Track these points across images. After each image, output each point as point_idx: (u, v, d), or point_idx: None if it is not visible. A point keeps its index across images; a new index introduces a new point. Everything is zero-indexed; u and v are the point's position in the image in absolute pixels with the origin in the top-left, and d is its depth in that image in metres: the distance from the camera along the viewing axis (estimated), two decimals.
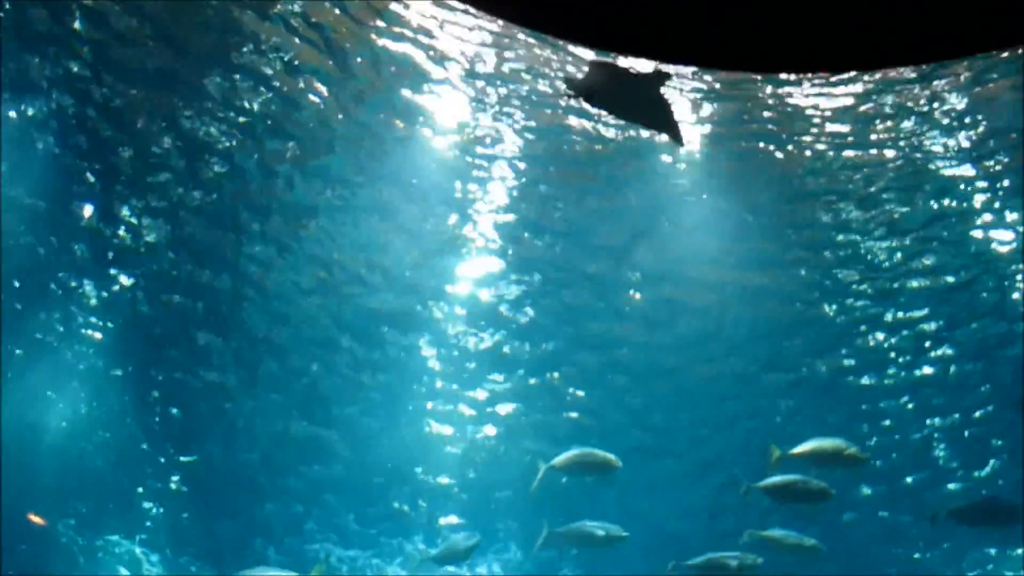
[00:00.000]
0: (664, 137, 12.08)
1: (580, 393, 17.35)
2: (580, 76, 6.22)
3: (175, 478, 19.61)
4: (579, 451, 14.00)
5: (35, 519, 20.35)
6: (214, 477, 19.51)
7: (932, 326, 15.69)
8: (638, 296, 15.48)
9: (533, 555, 17.59)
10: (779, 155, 13.15)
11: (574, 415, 17.67)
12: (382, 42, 11.53)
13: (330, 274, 15.15)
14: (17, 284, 15.22)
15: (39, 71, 12.19)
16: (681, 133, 6.33)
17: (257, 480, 19.59)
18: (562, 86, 11.73)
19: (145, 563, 22.48)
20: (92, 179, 13.60)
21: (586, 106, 11.35)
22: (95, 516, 20.70)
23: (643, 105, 6.21)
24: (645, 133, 12.78)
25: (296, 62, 11.98)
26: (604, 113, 12.27)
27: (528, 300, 15.65)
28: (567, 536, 14.63)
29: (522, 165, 13.49)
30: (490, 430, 18.29)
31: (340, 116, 12.74)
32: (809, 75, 11.82)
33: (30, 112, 12.69)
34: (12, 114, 12.65)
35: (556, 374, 17.00)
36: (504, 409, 17.78)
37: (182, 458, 19.19)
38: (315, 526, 21.17)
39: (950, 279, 14.86)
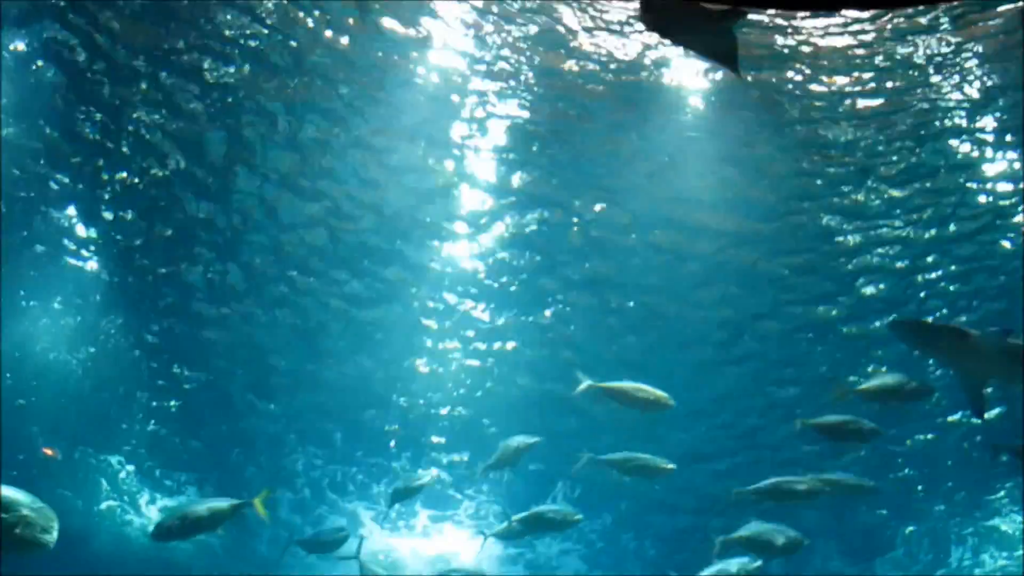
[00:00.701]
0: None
1: (572, 330, 17.94)
2: (646, 13, 6.51)
3: (158, 395, 20.17)
4: (632, 384, 13.56)
5: (48, 452, 21.09)
6: (197, 395, 20.10)
7: (931, 275, 16.21)
8: (634, 238, 15.90)
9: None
10: (785, 102, 13.47)
11: (566, 353, 18.27)
12: None
13: (325, 207, 15.50)
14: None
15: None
16: (738, 65, 6.68)
17: (241, 399, 20.17)
18: (637, 24, 12.00)
19: (122, 472, 23.26)
20: (89, 107, 13.84)
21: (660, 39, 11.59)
22: (77, 431, 21.33)
23: (714, 40, 6.55)
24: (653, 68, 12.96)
25: None
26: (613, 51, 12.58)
27: (523, 239, 16.08)
28: (610, 464, 14.47)
29: (520, 102, 13.75)
30: (481, 362, 18.93)
31: (332, 49, 12.94)
32: (822, 14, 12.03)
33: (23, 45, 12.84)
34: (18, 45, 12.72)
35: (548, 312, 17.59)
36: (496, 344, 18.43)
37: (161, 382, 19.74)
38: (296, 441, 21.83)
39: (951, 229, 15.36)
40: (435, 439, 21.36)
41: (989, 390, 10.11)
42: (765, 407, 19.26)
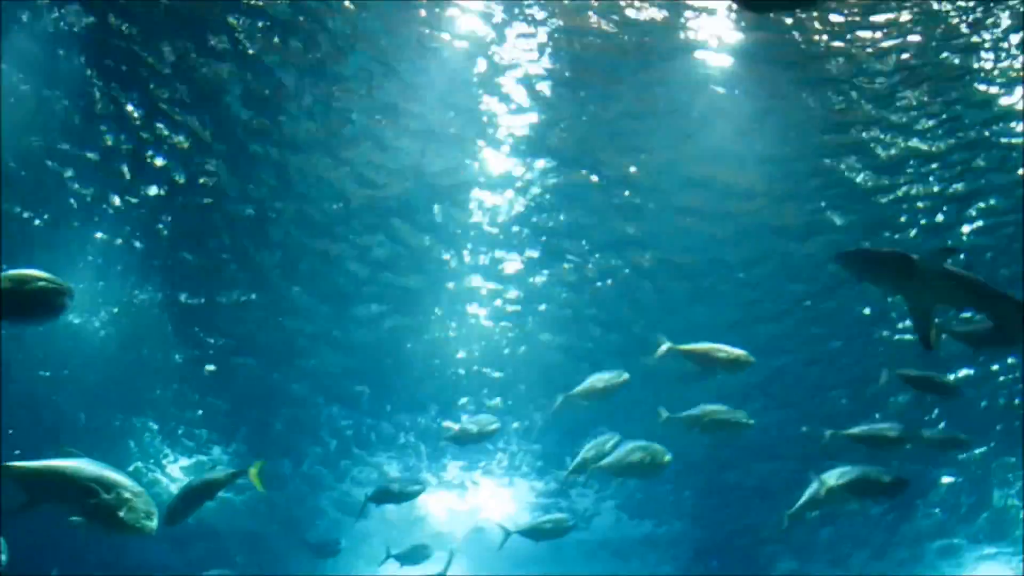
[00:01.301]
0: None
1: (600, 290, 18.31)
2: None
3: (184, 356, 20.56)
4: (710, 344, 13.39)
5: None
6: (223, 356, 20.63)
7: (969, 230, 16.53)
8: (664, 198, 16.09)
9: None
10: (816, 56, 13.51)
11: (593, 312, 18.79)
12: None
13: (351, 173, 15.73)
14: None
15: None
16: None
17: (267, 360, 20.59)
18: None
19: (148, 433, 23.72)
20: (122, 78, 14.08)
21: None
22: (104, 394, 21.73)
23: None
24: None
25: None
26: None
27: (551, 200, 16.29)
28: (687, 421, 14.21)
29: (546, 62, 13.84)
30: (510, 321, 19.28)
31: (362, 14, 13.13)
32: None
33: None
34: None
35: (577, 273, 17.92)
36: (525, 304, 18.76)
37: (187, 343, 20.06)
38: (324, 399, 22.23)
39: (994, 204, 15.73)
40: (463, 398, 21.76)
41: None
42: (799, 368, 19.69)
